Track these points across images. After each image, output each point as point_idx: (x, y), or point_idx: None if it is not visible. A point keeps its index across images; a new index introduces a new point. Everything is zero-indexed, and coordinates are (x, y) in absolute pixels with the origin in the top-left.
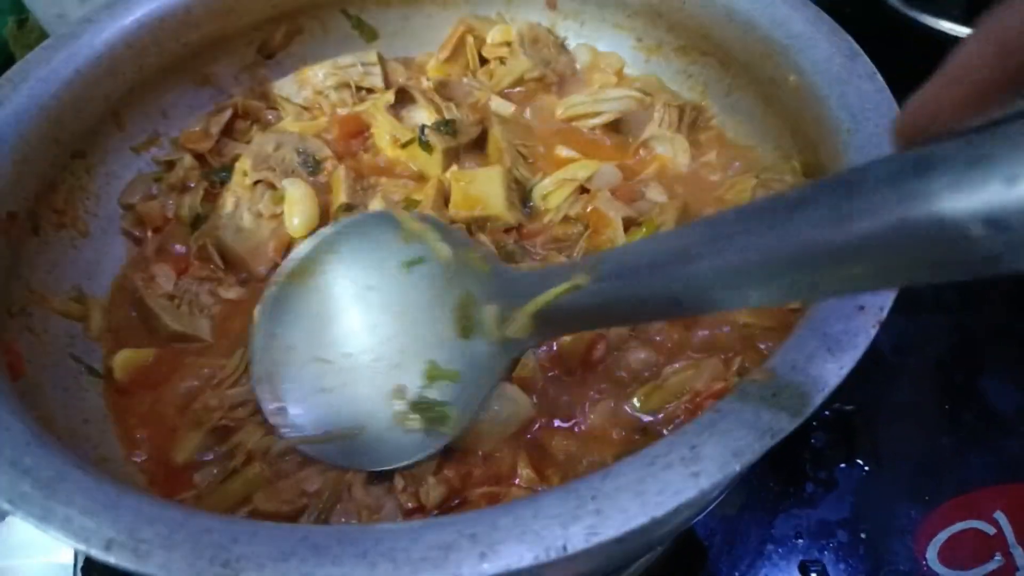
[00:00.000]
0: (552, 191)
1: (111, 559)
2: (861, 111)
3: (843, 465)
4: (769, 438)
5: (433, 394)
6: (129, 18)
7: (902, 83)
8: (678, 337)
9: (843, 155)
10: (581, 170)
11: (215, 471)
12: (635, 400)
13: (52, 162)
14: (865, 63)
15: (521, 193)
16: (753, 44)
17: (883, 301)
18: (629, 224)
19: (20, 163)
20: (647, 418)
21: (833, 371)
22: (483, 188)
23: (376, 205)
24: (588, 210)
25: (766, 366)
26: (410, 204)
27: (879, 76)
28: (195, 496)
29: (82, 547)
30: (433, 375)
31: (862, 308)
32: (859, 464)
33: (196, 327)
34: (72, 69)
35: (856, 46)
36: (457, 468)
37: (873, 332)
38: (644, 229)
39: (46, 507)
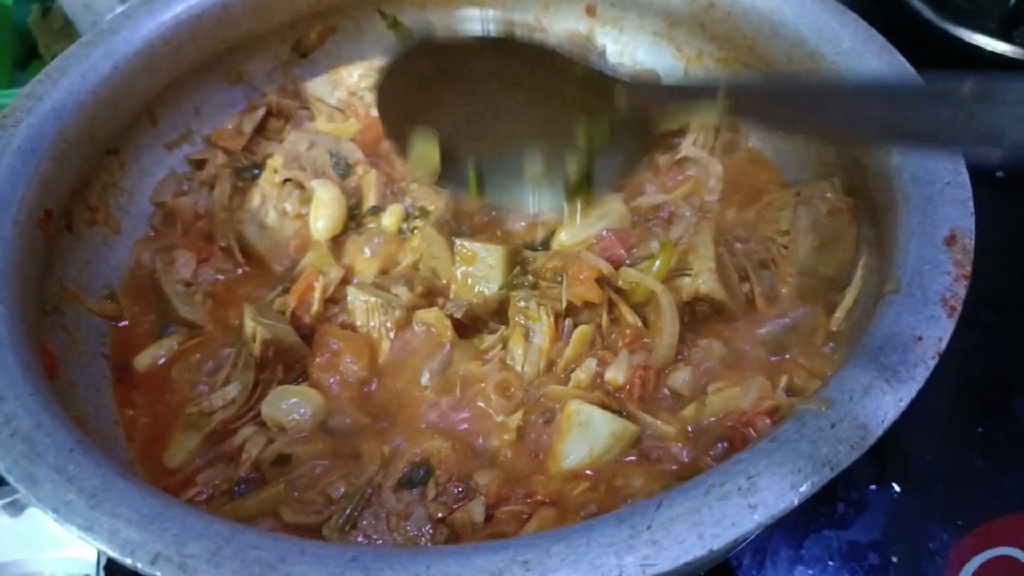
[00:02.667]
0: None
1: (156, 573)
2: None
3: (874, 486)
4: (828, 471)
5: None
6: (168, 15)
7: None
8: (720, 354)
9: (894, 178)
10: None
11: (218, 478)
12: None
13: (87, 158)
14: None
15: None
16: (800, 59)
17: (942, 332)
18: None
19: (58, 160)
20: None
21: (892, 403)
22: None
23: (398, 211)
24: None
25: (822, 395)
26: (422, 213)
27: None
28: (203, 497)
29: (127, 561)
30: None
31: (920, 338)
32: (891, 485)
33: (206, 318)
34: (110, 65)
35: (908, 66)
36: (497, 484)
37: (932, 364)
38: (661, 256)
39: (91, 518)
